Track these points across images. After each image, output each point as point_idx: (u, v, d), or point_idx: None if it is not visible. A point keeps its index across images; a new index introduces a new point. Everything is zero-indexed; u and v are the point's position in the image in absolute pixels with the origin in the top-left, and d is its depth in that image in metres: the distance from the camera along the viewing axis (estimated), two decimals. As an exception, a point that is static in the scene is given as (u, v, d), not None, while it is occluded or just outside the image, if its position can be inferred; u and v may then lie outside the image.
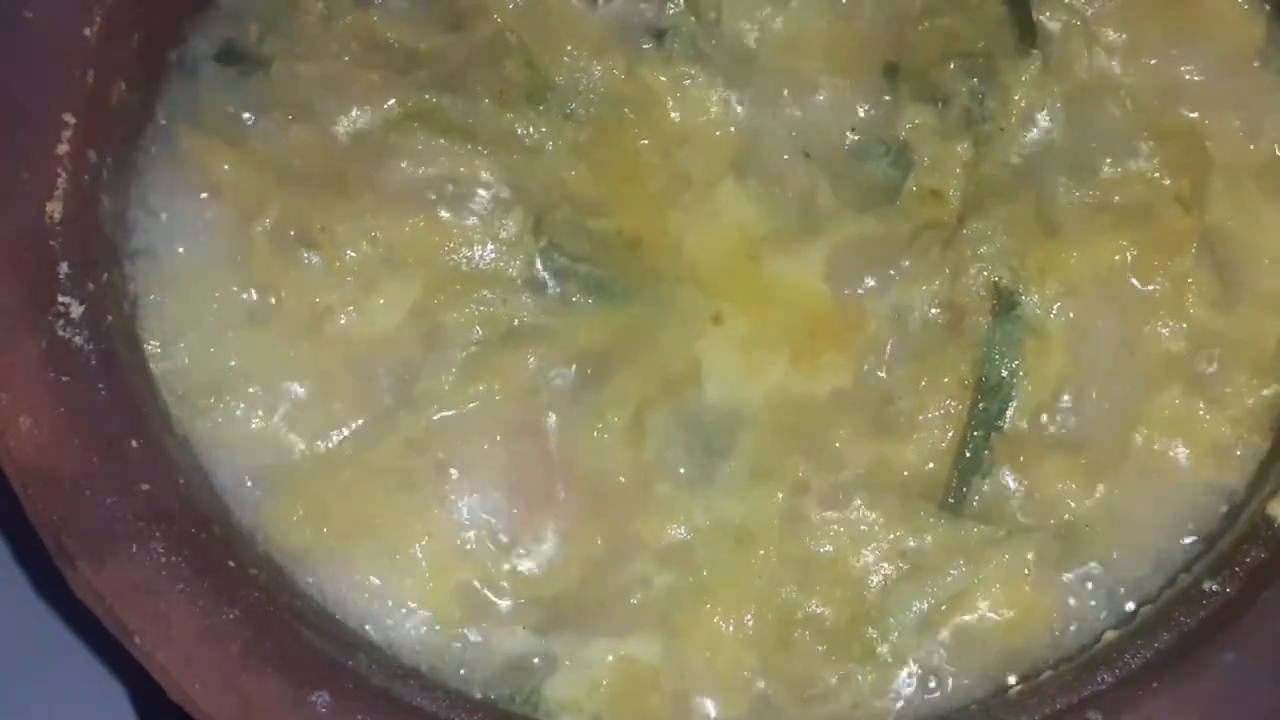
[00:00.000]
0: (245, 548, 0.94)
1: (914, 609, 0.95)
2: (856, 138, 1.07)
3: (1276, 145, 1.07)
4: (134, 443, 0.90)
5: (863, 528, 0.97)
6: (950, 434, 0.99)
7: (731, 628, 0.95)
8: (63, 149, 0.95)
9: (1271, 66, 1.09)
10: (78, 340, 0.91)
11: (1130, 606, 0.96)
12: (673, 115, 1.07)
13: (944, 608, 0.95)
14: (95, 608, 0.86)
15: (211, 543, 0.90)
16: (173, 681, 0.84)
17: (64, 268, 0.92)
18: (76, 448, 0.88)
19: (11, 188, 0.93)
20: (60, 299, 0.92)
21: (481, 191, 1.04)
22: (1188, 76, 1.08)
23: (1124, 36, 1.09)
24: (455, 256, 1.02)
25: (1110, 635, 0.93)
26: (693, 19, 1.08)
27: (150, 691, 0.85)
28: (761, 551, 0.96)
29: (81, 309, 0.92)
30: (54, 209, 0.93)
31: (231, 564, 0.89)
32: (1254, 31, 1.09)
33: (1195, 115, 1.07)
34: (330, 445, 0.98)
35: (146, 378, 0.97)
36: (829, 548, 0.96)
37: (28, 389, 0.89)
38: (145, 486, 0.89)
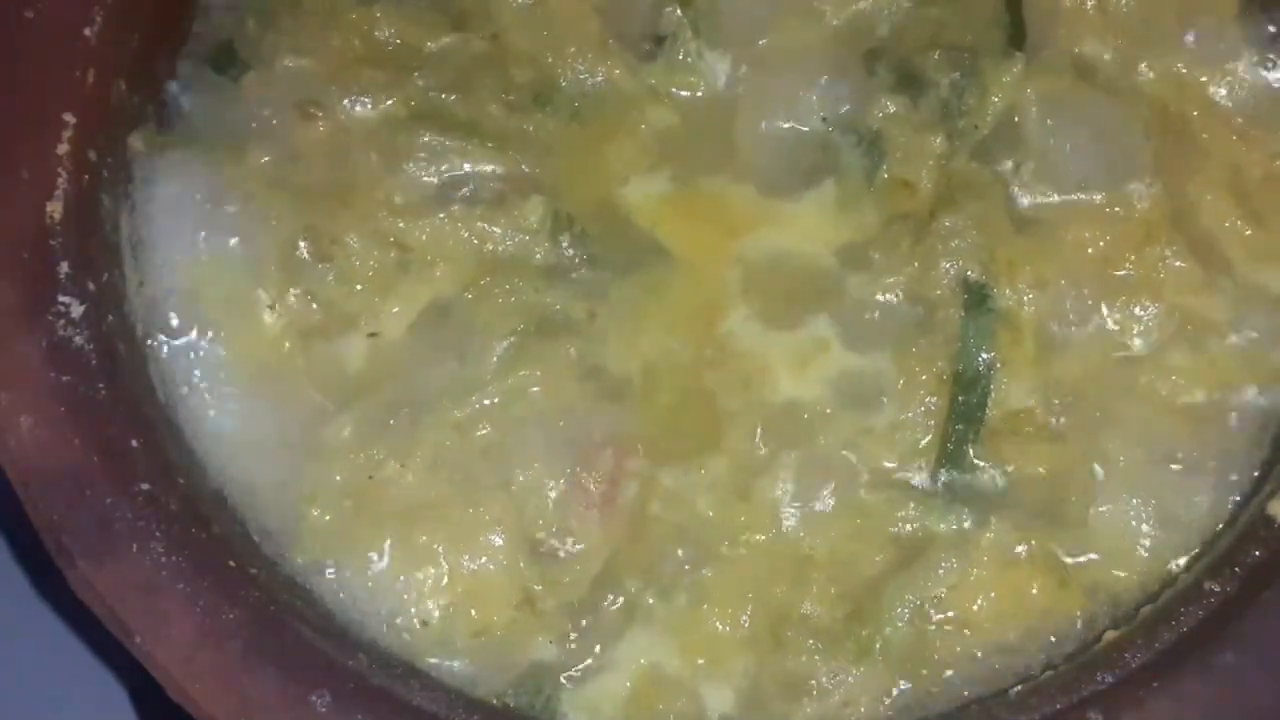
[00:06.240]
0: (247, 548, 0.94)
1: (908, 604, 0.94)
2: (830, 129, 1.07)
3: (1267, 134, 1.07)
4: (134, 443, 0.90)
5: (854, 522, 0.97)
6: (933, 427, 0.99)
7: (728, 628, 0.95)
8: (63, 149, 0.95)
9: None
10: (78, 340, 0.91)
11: (1128, 605, 0.95)
12: (673, 115, 1.08)
13: (937, 604, 0.95)
14: (95, 608, 0.86)
15: (211, 543, 0.90)
16: (173, 681, 0.84)
17: (64, 268, 0.93)
18: (76, 448, 0.88)
19: (11, 188, 0.93)
20: (60, 299, 0.92)
21: (497, 184, 1.04)
22: (1183, 67, 1.09)
23: (1127, 13, 1.10)
24: (481, 249, 1.02)
25: (1110, 635, 0.93)
26: (689, 31, 1.08)
27: (150, 691, 0.85)
28: (759, 550, 0.96)
29: (81, 309, 0.92)
30: (54, 209, 0.93)
31: (231, 564, 0.89)
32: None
33: (1187, 107, 1.08)
34: (351, 445, 0.97)
35: (146, 378, 0.97)
36: (821, 545, 0.97)
37: (28, 389, 0.89)
38: (145, 486, 0.89)
